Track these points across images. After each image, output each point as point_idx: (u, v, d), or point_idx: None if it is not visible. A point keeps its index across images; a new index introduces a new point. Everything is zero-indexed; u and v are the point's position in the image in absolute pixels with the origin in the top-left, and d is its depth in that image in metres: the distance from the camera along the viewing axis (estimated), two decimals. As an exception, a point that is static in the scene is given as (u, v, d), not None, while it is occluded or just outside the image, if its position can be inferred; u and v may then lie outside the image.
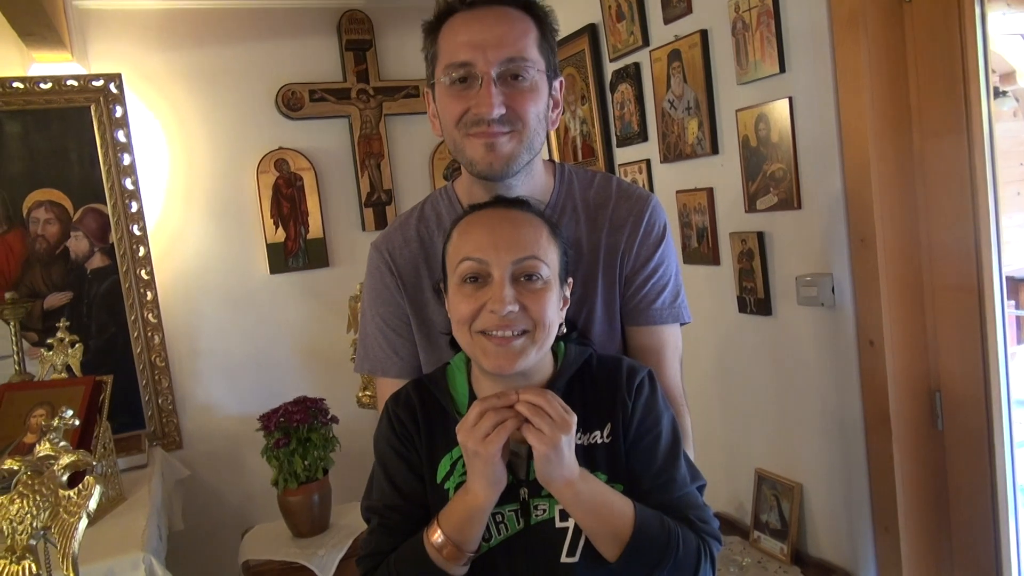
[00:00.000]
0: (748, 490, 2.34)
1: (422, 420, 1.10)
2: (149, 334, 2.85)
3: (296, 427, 2.36)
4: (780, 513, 2.21)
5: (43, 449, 0.84)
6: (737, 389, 2.36)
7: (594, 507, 1.00)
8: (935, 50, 1.75)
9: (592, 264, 1.23)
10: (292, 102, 3.10)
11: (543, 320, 1.02)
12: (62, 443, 0.85)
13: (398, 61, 3.28)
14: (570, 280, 1.12)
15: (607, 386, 1.09)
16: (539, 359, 1.05)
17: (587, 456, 1.05)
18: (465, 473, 1.05)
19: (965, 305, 1.79)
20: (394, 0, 3.22)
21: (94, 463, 0.88)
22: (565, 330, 1.11)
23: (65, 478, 0.85)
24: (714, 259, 2.34)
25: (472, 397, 1.10)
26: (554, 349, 1.10)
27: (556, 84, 1.20)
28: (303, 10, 3.13)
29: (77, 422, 0.92)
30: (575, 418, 0.99)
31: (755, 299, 2.20)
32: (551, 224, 1.09)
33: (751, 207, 2.16)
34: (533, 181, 1.23)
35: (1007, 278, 1.75)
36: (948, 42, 1.71)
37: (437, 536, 1.01)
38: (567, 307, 1.10)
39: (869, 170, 1.80)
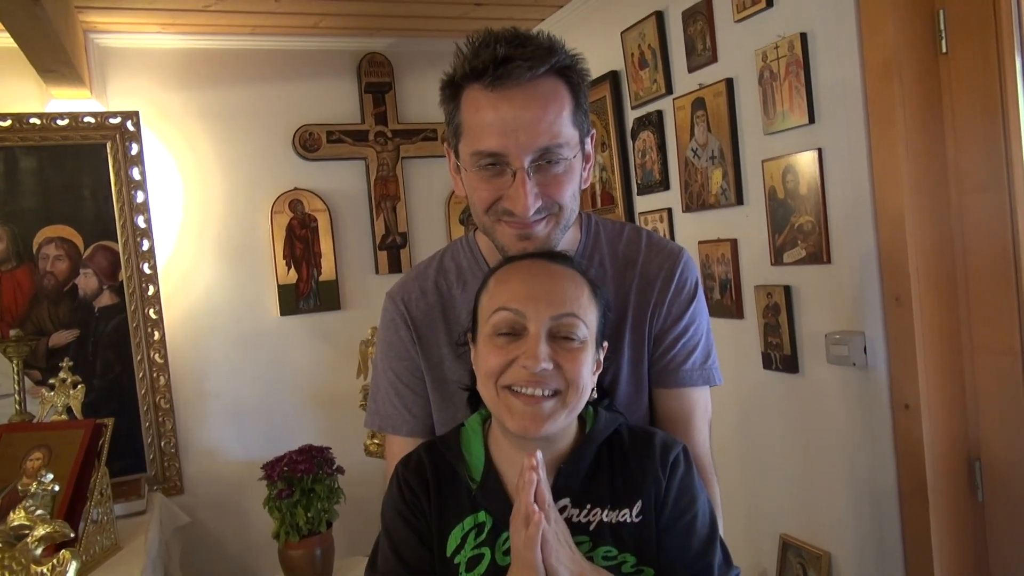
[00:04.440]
0: (772, 556, 2.22)
1: (433, 487, 1.02)
2: (155, 375, 2.79)
3: (300, 478, 2.27)
4: (806, 583, 2.09)
5: (17, 518, 0.76)
6: (761, 449, 2.26)
7: None
8: (974, 103, 1.69)
9: (619, 321, 1.15)
10: (309, 143, 3.08)
11: (577, 382, 0.95)
12: (39, 512, 0.77)
13: (417, 104, 3.25)
14: (605, 344, 1.04)
15: (638, 460, 1.01)
16: (566, 424, 0.97)
17: (614, 536, 0.96)
18: (476, 547, 0.98)
19: (1007, 369, 1.70)
20: (415, 44, 3.22)
21: (71, 534, 0.80)
22: (596, 395, 1.03)
23: (39, 551, 0.77)
24: (738, 312, 2.26)
25: (488, 461, 1.02)
26: (581, 414, 1.02)
27: (587, 140, 1.12)
28: (323, 52, 3.13)
29: (57, 488, 0.84)
30: (539, 524, 0.85)
31: (781, 355, 2.12)
32: (593, 283, 1.02)
33: (777, 260, 2.09)
34: None
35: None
36: (988, 95, 1.65)
37: None
38: (599, 371, 1.03)
39: (904, 225, 1.73)
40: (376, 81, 3.16)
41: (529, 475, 0.86)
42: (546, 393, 0.94)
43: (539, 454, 0.89)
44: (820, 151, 1.92)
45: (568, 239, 1.15)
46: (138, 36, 2.82)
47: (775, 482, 2.22)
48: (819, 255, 1.96)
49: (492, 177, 1.04)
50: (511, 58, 0.99)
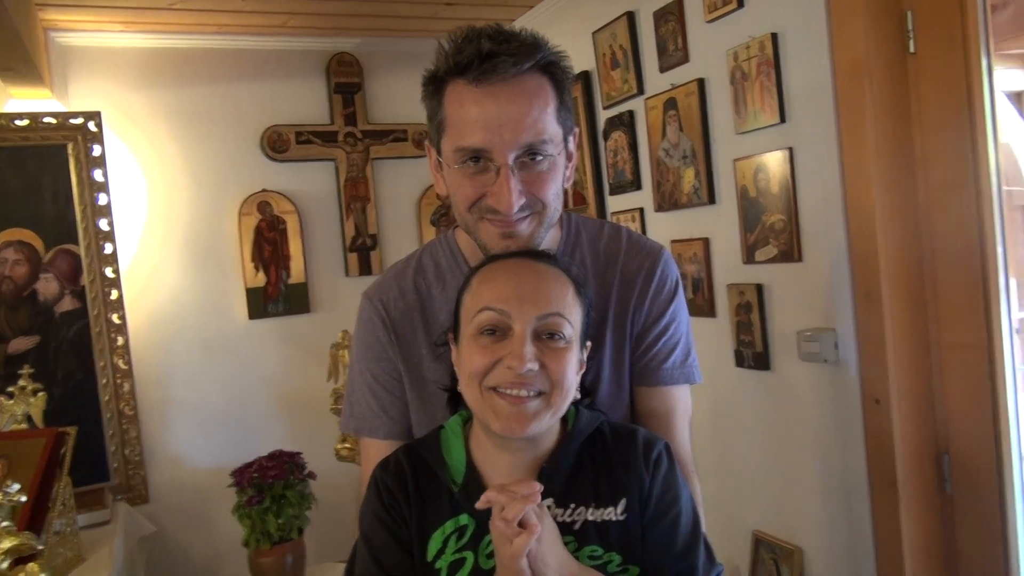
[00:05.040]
0: (745, 553, 2.24)
1: (413, 491, 1.00)
2: (118, 381, 2.72)
3: (271, 484, 2.23)
4: (780, 579, 2.11)
5: (-17, 530, 0.73)
6: (733, 446, 2.27)
7: None
8: (941, 102, 1.71)
9: (601, 320, 1.15)
10: (278, 144, 3.03)
11: (562, 382, 0.94)
12: (4, 523, 0.74)
13: (387, 105, 3.22)
14: (588, 343, 1.03)
15: (621, 458, 1.00)
16: (551, 425, 0.96)
17: (600, 535, 0.96)
18: (458, 551, 0.96)
19: (973, 363, 1.73)
20: (384, 44, 3.19)
21: (39, 546, 0.77)
22: (579, 395, 1.02)
23: (6, 564, 0.73)
24: (710, 311, 2.28)
25: (469, 463, 1.00)
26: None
27: (570, 139, 1.11)
28: (292, 52, 3.08)
29: (23, 498, 0.81)
30: (534, 534, 0.85)
31: (753, 353, 2.13)
32: (577, 282, 1.01)
33: (749, 258, 2.11)
34: None
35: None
36: (955, 94, 1.68)
37: None
38: (582, 371, 1.02)
39: (874, 223, 1.75)
40: (345, 81, 3.13)
41: (533, 489, 0.85)
42: (531, 394, 0.93)
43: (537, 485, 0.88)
44: (791, 150, 1.94)
45: (549, 238, 1.14)
46: (100, 35, 2.76)
47: (747, 479, 2.23)
48: (790, 253, 1.98)
49: (475, 174, 1.03)
50: (496, 53, 0.98)
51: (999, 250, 1.67)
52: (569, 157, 1.11)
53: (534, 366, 0.92)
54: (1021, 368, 1.72)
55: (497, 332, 0.94)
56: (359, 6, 2.78)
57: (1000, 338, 1.68)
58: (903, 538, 1.79)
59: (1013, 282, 1.70)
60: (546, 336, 0.95)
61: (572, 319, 0.97)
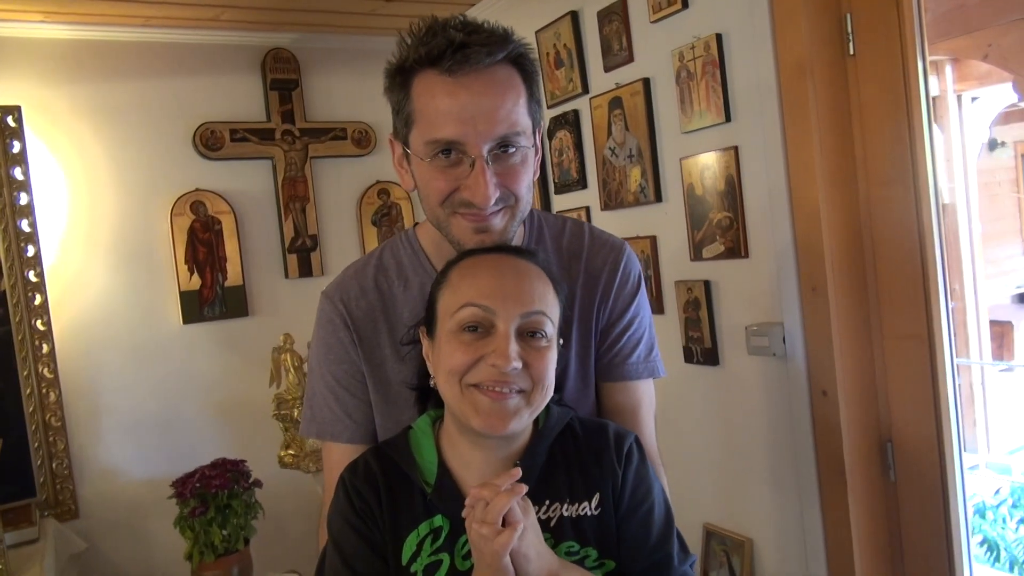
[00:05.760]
0: (696, 546, 2.26)
1: (384, 493, 0.97)
2: (44, 391, 2.57)
3: (215, 493, 2.15)
4: (730, 569, 2.14)
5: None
6: (683, 441, 2.30)
7: None
8: (880, 102, 1.77)
9: (567, 316, 1.14)
10: (211, 142, 2.92)
11: (543, 381, 0.93)
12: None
13: (326, 102, 3.15)
14: (561, 340, 1.02)
15: (593, 453, 1.00)
16: (528, 423, 0.95)
17: (576, 530, 0.95)
18: (434, 553, 0.94)
19: (914, 353, 1.80)
20: (322, 40, 3.11)
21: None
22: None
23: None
24: (658, 308, 2.30)
25: (441, 463, 0.98)
26: None
27: (537, 131, 1.09)
28: (225, 47, 2.98)
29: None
30: (518, 530, 0.84)
31: (702, 349, 2.16)
32: (555, 280, 1.00)
33: (697, 256, 2.14)
34: None
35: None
36: (893, 94, 1.74)
37: None
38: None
39: (820, 218, 1.80)
40: (282, 78, 3.04)
41: (517, 486, 0.84)
42: (513, 390, 0.92)
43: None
44: (736, 149, 1.97)
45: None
46: (19, 24, 2.60)
47: (698, 473, 2.26)
48: (737, 250, 2.01)
49: (448, 167, 1.00)
50: (468, 44, 0.96)
51: (936, 244, 1.73)
52: (537, 151, 1.10)
53: (519, 365, 0.91)
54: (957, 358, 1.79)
55: (479, 329, 0.92)
56: (295, 0, 2.71)
57: (940, 329, 1.75)
58: (851, 525, 1.84)
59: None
60: (528, 334, 0.93)
61: (553, 317, 0.96)
